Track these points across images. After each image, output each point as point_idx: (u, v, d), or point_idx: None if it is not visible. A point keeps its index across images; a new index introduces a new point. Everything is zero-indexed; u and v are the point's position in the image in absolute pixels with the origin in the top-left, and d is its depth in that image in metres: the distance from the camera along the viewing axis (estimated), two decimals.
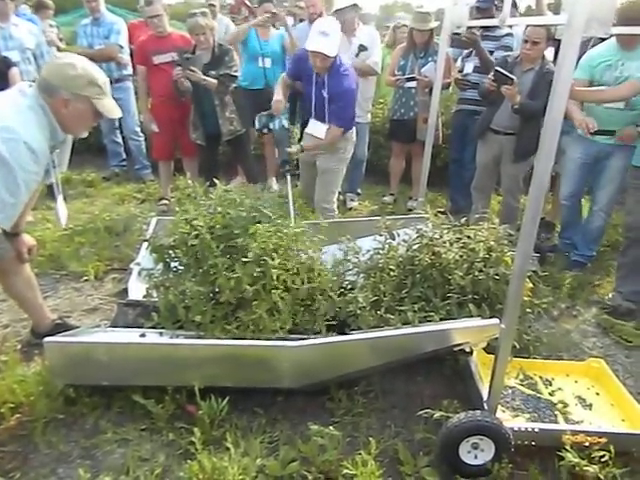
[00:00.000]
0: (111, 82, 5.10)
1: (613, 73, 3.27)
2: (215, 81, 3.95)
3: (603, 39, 3.36)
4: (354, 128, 3.66)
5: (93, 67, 2.20)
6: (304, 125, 3.71)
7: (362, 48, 4.41)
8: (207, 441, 2.06)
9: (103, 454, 2.06)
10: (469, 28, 4.06)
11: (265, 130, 3.42)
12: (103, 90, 2.20)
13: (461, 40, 4.09)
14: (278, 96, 3.39)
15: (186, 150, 4.56)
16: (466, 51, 4.33)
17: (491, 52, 4.12)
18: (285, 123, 3.42)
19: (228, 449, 1.95)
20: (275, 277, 2.16)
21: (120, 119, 5.26)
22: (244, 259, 2.14)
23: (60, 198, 2.61)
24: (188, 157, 4.62)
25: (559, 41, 1.72)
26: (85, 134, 2.36)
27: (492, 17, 3.81)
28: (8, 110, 2.05)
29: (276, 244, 2.25)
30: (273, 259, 2.18)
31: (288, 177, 3.39)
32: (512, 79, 3.44)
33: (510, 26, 4.27)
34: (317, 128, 3.46)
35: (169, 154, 4.59)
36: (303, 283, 2.26)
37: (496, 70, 3.51)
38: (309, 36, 3.20)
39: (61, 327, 2.59)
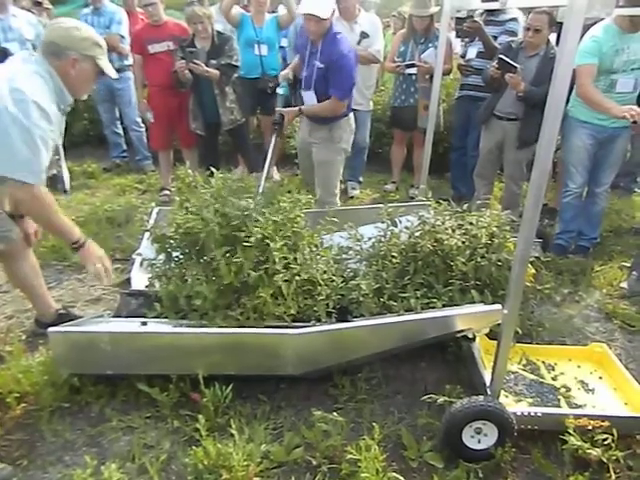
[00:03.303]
0: None
1: (621, 58, 3.25)
2: (217, 72, 3.93)
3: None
4: (352, 117, 3.50)
5: (92, 29, 2.31)
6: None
7: (364, 35, 4.37)
8: (212, 428, 2.07)
9: (109, 442, 2.08)
10: (471, 17, 4.03)
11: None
12: (104, 51, 2.30)
13: (464, 30, 4.05)
14: (287, 69, 3.51)
15: (184, 140, 4.53)
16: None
17: (495, 37, 4.08)
18: (281, 90, 3.41)
19: (233, 435, 1.97)
20: (277, 260, 2.16)
21: (120, 110, 5.27)
22: (245, 244, 2.14)
23: (63, 163, 2.64)
24: (187, 147, 4.60)
25: (561, 25, 1.70)
26: (86, 96, 2.42)
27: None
28: (16, 75, 2.08)
29: (278, 227, 2.25)
30: (275, 242, 2.18)
31: (276, 136, 3.33)
32: (516, 67, 3.41)
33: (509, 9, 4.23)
34: (307, 97, 3.35)
35: (167, 144, 4.58)
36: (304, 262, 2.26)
37: (500, 58, 3.47)
38: (301, 1, 3.14)
39: (65, 317, 2.61)
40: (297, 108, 3.32)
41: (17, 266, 2.51)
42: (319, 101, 3.28)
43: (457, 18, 4.16)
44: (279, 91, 3.38)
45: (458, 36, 4.32)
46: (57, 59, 2.16)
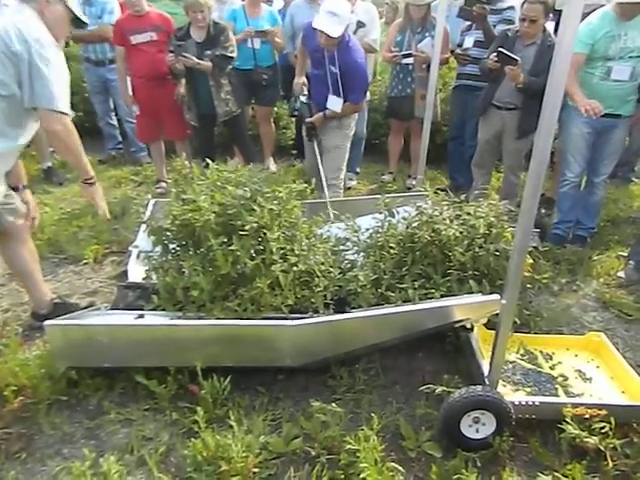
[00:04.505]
0: (105, 63, 5.01)
1: (617, 45, 3.23)
2: (210, 64, 3.88)
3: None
4: None
5: None
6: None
7: (360, 24, 4.33)
8: (210, 420, 2.07)
9: (107, 434, 2.08)
10: (480, 1, 3.96)
11: (295, 113, 3.78)
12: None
13: (470, 13, 3.99)
14: (298, 78, 3.68)
15: (174, 133, 4.48)
16: (466, 24, 4.24)
17: (493, 26, 4.04)
18: (304, 99, 3.63)
19: (231, 427, 1.97)
20: (274, 250, 2.15)
21: (115, 101, 5.22)
22: (241, 232, 2.13)
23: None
24: (177, 140, 4.55)
25: (560, 13, 1.68)
26: (63, 42, 2.53)
27: None
28: (22, 24, 2.17)
29: (275, 216, 2.24)
30: (272, 231, 2.17)
31: (315, 142, 3.61)
32: (516, 60, 3.37)
33: None
34: (333, 102, 3.52)
35: (155, 136, 4.52)
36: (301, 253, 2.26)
37: (500, 52, 3.43)
38: (319, 12, 3.24)
39: (61, 307, 2.61)
40: (322, 114, 3.54)
41: (17, 249, 2.52)
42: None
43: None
44: (302, 99, 3.64)
45: (459, 16, 4.25)
46: (33, 2, 2.27)
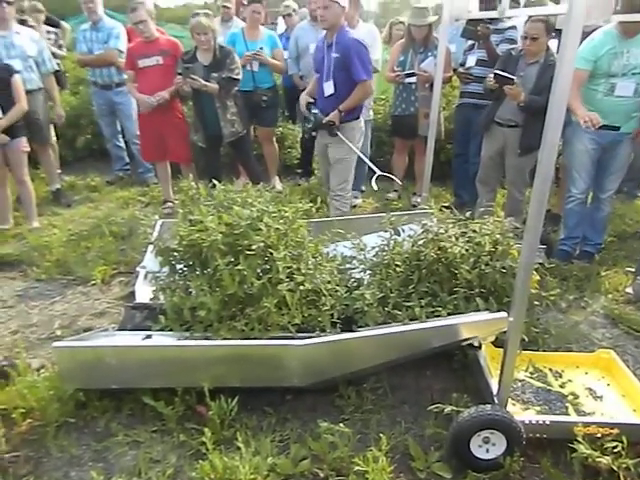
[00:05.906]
0: (111, 87, 5.14)
1: (620, 62, 3.26)
2: (217, 86, 3.96)
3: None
4: (362, 120, 3.76)
5: None
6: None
7: None
8: (218, 441, 2.06)
9: (115, 457, 2.07)
10: (477, 20, 4.02)
11: (313, 133, 3.86)
12: None
13: (474, 32, 4.05)
14: (305, 95, 3.81)
15: (177, 155, 4.56)
16: (468, 44, 4.30)
17: (496, 45, 4.09)
18: (315, 110, 3.73)
19: (239, 448, 1.96)
20: (281, 269, 2.16)
21: (122, 124, 5.30)
22: (248, 252, 2.14)
23: None
24: (180, 162, 4.62)
25: (561, 31, 1.71)
26: None
27: (495, 9, 3.78)
28: None
29: (281, 236, 2.26)
30: (278, 251, 2.18)
31: (339, 134, 3.65)
32: (513, 79, 3.43)
33: (510, 17, 4.24)
34: (326, 87, 3.60)
35: (158, 155, 4.59)
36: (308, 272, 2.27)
37: (496, 73, 3.49)
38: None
39: None
40: (337, 110, 3.58)
41: None
42: (337, 88, 3.54)
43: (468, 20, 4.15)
44: (314, 111, 3.75)
45: (463, 36, 4.30)
46: None
